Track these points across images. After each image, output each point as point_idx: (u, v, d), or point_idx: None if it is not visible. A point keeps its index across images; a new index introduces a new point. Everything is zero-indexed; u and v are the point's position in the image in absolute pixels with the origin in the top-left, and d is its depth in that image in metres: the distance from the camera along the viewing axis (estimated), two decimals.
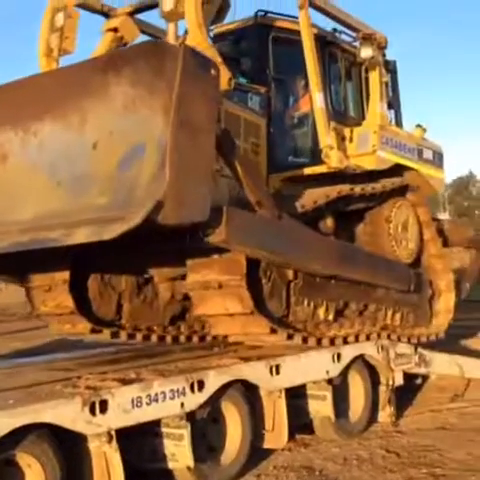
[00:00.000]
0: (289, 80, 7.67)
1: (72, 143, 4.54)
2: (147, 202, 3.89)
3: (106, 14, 6.74)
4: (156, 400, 4.76)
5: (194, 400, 5.04)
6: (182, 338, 7.09)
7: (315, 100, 6.79)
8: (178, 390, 4.92)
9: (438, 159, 8.64)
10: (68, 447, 4.30)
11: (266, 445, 5.86)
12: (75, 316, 6.11)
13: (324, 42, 7.53)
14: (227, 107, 5.99)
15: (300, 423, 6.35)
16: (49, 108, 4.72)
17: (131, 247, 5.38)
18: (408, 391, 7.93)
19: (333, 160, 6.70)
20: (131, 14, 6.74)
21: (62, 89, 4.72)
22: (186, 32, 5.49)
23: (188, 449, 4.89)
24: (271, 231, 5.43)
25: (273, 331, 5.87)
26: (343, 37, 7.91)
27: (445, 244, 8.77)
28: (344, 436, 6.55)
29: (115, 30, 6.60)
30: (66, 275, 5.94)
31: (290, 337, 6.07)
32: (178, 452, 4.93)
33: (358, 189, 6.93)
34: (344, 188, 6.72)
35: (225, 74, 5.06)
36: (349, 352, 6.70)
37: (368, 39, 7.24)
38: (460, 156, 67.31)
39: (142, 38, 7.05)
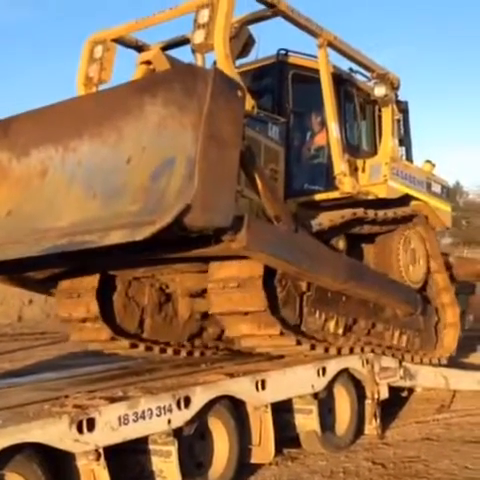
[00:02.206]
0: (307, 114, 8.03)
1: (107, 159, 4.81)
2: (177, 205, 4.15)
3: (140, 48, 7.11)
4: (143, 417, 4.81)
5: (181, 416, 5.10)
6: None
7: (331, 130, 7.12)
8: (165, 407, 4.98)
9: (445, 193, 9.07)
10: (57, 465, 4.35)
11: (253, 460, 5.93)
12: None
13: (340, 80, 7.90)
14: (250, 133, 6.29)
15: (287, 437, 6.41)
16: (87, 127, 5.00)
17: (156, 260, 5.77)
18: (395, 402, 8.02)
19: (346, 186, 7.01)
20: (162, 49, 7.10)
21: (100, 110, 5.01)
22: (214, 63, 5.83)
23: (176, 465, 4.95)
24: (288, 242, 5.64)
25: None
26: (357, 77, 8.28)
27: (452, 278, 9.02)
28: (331, 449, 6.62)
29: (148, 63, 6.95)
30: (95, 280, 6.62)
31: (282, 334, 6.20)
32: (166, 469, 4.98)
33: (372, 213, 7.25)
34: (358, 211, 7.08)
35: (249, 101, 5.41)
36: (334, 366, 6.79)
37: (382, 78, 7.73)
38: (448, 167, 67.84)
39: None
